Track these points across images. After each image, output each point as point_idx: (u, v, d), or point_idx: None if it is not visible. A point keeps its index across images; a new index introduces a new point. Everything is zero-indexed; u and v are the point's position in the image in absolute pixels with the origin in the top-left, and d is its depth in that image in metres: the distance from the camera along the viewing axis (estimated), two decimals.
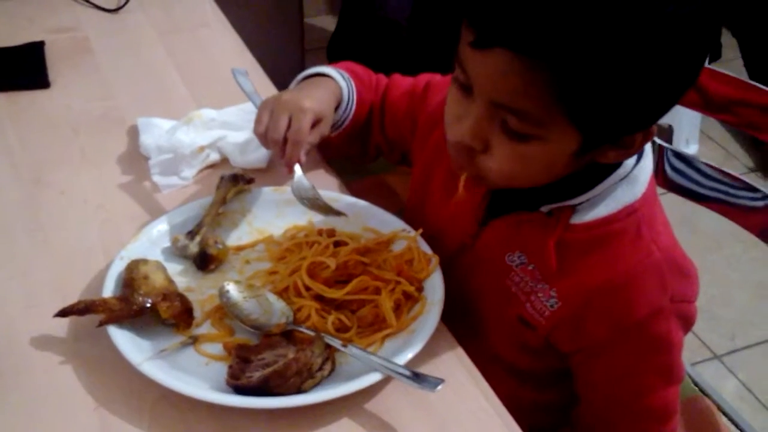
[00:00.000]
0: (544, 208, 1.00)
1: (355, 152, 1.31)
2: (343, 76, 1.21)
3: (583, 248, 1.00)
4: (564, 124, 0.87)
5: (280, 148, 1.12)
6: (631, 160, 0.99)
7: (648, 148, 1.01)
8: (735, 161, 2.82)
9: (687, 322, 1.04)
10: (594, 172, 0.97)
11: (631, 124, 0.90)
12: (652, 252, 0.99)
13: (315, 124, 1.13)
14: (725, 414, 1.42)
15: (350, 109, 1.21)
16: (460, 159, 0.96)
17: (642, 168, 1.00)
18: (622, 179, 0.99)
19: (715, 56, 2.75)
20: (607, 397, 1.07)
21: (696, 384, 1.44)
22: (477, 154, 0.94)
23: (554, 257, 1.00)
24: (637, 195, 1.00)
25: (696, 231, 2.46)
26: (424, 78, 1.24)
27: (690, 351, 2.19)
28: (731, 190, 1.37)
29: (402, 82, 1.26)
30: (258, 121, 1.13)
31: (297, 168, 1.13)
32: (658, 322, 1.00)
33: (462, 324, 1.06)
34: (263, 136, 1.13)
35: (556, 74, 0.83)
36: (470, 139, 0.93)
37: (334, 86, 1.19)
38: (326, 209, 1.11)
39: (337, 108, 1.19)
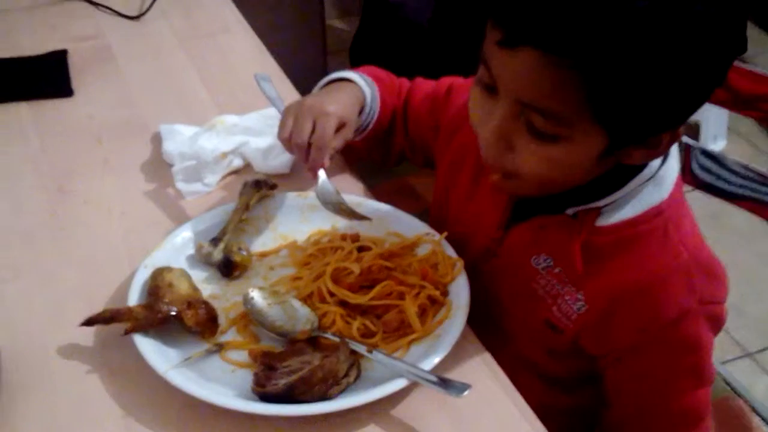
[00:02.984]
0: (569, 211, 0.99)
1: (379, 156, 1.30)
2: (365, 81, 1.21)
3: (610, 250, 0.99)
4: (590, 124, 0.86)
5: (304, 153, 1.12)
6: (657, 161, 0.98)
7: (674, 148, 1.00)
8: (765, 157, 2.79)
9: (717, 324, 1.02)
10: (619, 173, 0.96)
11: (659, 124, 0.89)
12: (680, 253, 0.98)
13: (339, 128, 1.13)
14: (758, 413, 1.40)
15: (373, 113, 1.21)
16: (490, 158, 0.95)
17: (668, 168, 0.99)
18: (647, 180, 0.98)
19: (741, 50, 2.70)
20: (636, 400, 1.06)
21: (728, 383, 1.42)
22: (506, 154, 0.93)
23: (580, 260, 0.99)
24: (663, 196, 0.99)
25: (725, 227, 2.43)
26: (446, 81, 1.23)
27: (721, 349, 2.17)
28: (759, 187, 1.35)
29: (424, 85, 1.25)
30: (282, 126, 1.13)
31: (321, 173, 1.13)
32: (687, 324, 0.99)
33: (489, 329, 1.05)
34: (287, 141, 1.13)
35: (584, 73, 0.82)
36: (494, 140, 0.92)
37: (357, 90, 1.19)
38: (350, 214, 1.11)
39: (360, 112, 1.19)
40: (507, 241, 1.07)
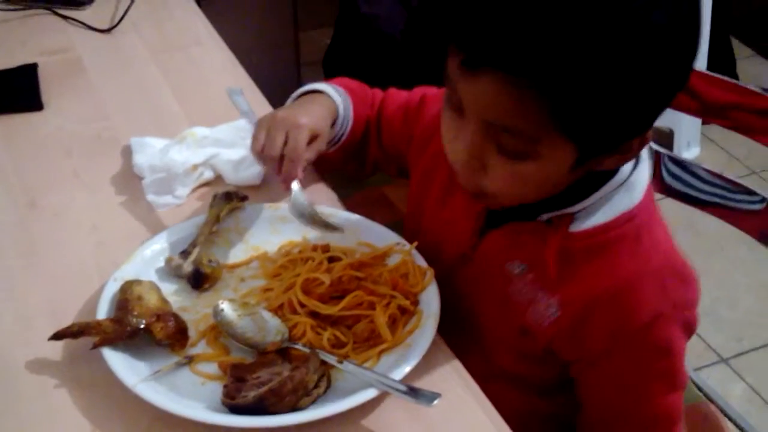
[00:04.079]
0: (543, 217, 1.00)
1: (353, 167, 1.30)
2: (338, 92, 1.21)
3: (583, 256, 0.99)
4: (559, 139, 0.87)
5: (277, 166, 1.12)
6: (628, 167, 0.99)
7: (645, 153, 1.00)
8: (737, 163, 2.81)
9: (689, 329, 1.03)
10: (591, 179, 0.97)
11: (626, 132, 0.90)
12: (652, 258, 0.99)
13: (311, 140, 1.13)
14: (730, 419, 1.41)
15: (346, 125, 1.21)
16: (464, 176, 0.96)
17: (639, 174, 1.00)
18: (619, 186, 0.98)
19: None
20: (609, 405, 1.06)
21: (701, 389, 1.43)
22: (477, 172, 0.93)
23: (554, 266, 0.99)
24: (634, 201, 0.99)
25: (699, 233, 2.44)
26: (419, 91, 1.24)
27: (696, 355, 2.18)
28: (729, 194, 1.36)
29: (397, 96, 1.26)
30: (255, 139, 1.13)
31: (294, 185, 1.12)
32: (660, 328, 0.99)
33: (464, 336, 1.06)
34: (260, 154, 1.12)
35: (547, 91, 0.82)
36: (466, 159, 0.92)
37: (330, 102, 1.19)
38: (324, 225, 1.11)
39: (333, 124, 1.19)
40: (481, 247, 1.07)
